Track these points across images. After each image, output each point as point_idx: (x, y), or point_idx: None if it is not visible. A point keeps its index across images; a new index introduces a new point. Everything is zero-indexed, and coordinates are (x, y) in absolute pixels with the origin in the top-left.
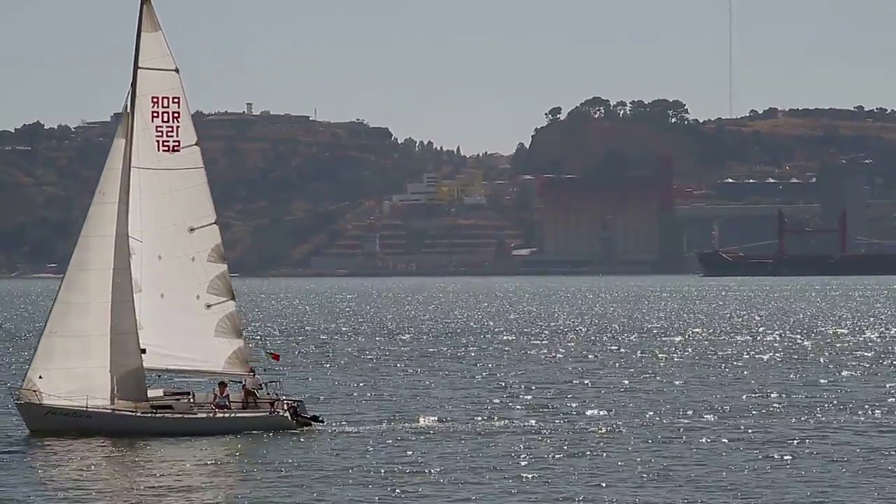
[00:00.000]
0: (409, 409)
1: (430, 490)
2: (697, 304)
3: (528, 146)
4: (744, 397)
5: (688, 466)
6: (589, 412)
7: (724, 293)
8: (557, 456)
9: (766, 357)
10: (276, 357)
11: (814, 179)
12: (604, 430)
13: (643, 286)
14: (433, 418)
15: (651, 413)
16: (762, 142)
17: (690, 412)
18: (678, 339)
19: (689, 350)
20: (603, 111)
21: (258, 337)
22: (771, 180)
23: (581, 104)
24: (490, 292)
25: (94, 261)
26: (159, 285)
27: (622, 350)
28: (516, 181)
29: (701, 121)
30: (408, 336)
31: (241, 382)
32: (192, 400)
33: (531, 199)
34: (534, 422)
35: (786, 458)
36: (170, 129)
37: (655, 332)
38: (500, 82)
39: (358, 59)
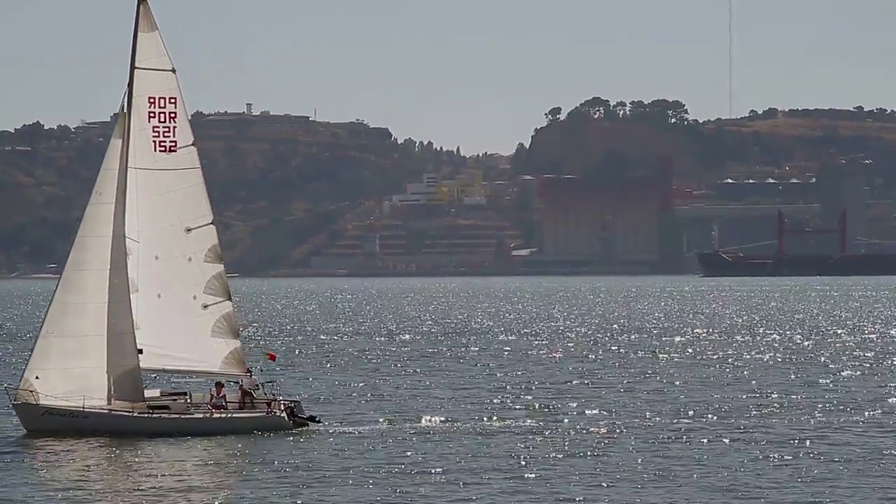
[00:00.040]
0: (410, 410)
1: (430, 490)
2: (697, 304)
3: (527, 146)
4: (744, 397)
5: (688, 467)
6: (589, 412)
7: (724, 293)
8: (558, 456)
9: (766, 357)
10: (273, 357)
11: (814, 180)
12: (604, 431)
13: (643, 286)
14: (433, 418)
15: (651, 413)
16: (762, 142)
17: (691, 412)
18: (678, 339)
19: (690, 350)
20: (603, 111)
21: (259, 337)
22: (771, 180)
23: (581, 104)
24: (490, 292)
25: (91, 261)
26: (156, 285)
27: (622, 350)
28: (516, 181)
29: (701, 121)
30: (408, 336)
31: (237, 383)
32: (188, 400)
33: (531, 199)
34: (534, 422)
35: (786, 458)
36: (166, 129)
37: (655, 332)
38: (500, 82)
39: (358, 59)
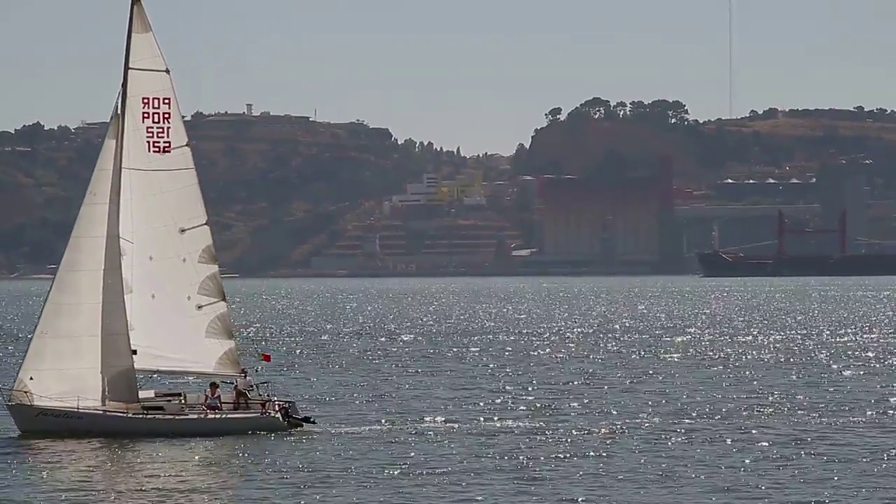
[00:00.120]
0: (411, 410)
1: (432, 491)
2: (698, 304)
3: (528, 147)
4: (745, 397)
5: (689, 467)
6: (590, 412)
7: (724, 293)
8: (559, 456)
9: (767, 357)
10: (268, 358)
11: (814, 180)
12: (605, 431)
13: (643, 287)
14: (434, 419)
15: (652, 413)
16: (762, 142)
17: (692, 413)
18: (679, 339)
19: (691, 350)
20: (603, 112)
21: (259, 338)
22: (771, 181)
23: (581, 105)
24: (490, 293)
25: (85, 262)
26: (150, 286)
27: (622, 350)
28: (516, 182)
29: (701, 121)
30: (408, 336)
31: (232, 384)
32: (183, 401)
33: (531, 199)
34: (535, 422)
35: (787, 458)
36: (160, 129)
37: (656, 332)
38: (500, 82)
39: (358, 60)
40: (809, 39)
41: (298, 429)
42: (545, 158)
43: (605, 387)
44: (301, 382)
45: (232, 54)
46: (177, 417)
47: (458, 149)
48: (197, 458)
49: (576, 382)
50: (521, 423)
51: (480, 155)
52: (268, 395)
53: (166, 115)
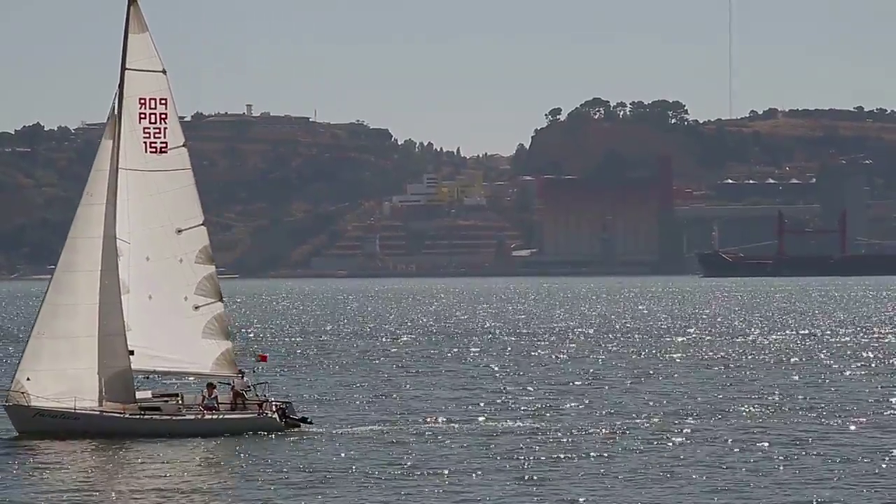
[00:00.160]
0: (411, 410)
1: (433, 491)
2: (698, 304)
3: (528, 147)
4: (745, 398)
5: (690, 467)
6: (590, 413)
7: (724, 294)
8: (560, 456)
9: (767, 358)
10: (264, 358)
11: (814, 180)
12: (605, 431)
13: (643, 287)
14: (435, 419)
15: (652, 413)
16: (762, 142)
17: (692, 412)
18: (680, 339)
19: (691, 350)
20: (603, 112)
21: (259, 338)
22: (771, 181)
23: (581, 105)
24: (490, 293)
25: (82, 262)
26: (147, 287)
27: (623, 350)
28: (516, 182)
29: (701, 121)
30: (408, 337)
31: (229, 384)
32: (180, 401)
33: (531, 199)
34: (535, 422)
35: (787, 458)
36: (157, 130)
37: (656, 332)
38: (500, 82)
39: (358, 60)
40: (809, 39)
41: (295, 429)
42: (545, 159)
43: (606, 387)
44: (301, 383)
45: (232, 54)
46: (174, 418)
47: (458, 149)
48: (197, 458)
49: (576, 382)
50: (521, 424)
51: (480, 155)
52: (265, 396)
53: (163, 116)
